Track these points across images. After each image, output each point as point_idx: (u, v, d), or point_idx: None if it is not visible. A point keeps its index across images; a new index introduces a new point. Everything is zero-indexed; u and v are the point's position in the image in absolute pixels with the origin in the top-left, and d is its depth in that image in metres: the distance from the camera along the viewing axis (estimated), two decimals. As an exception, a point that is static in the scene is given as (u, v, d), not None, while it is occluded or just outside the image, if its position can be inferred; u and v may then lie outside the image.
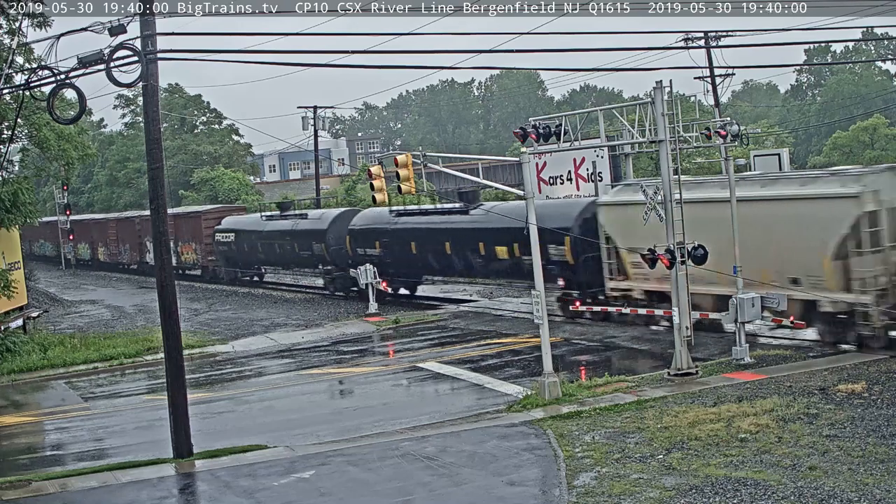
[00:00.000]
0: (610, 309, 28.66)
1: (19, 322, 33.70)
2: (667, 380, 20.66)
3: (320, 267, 42.21)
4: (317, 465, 16.42)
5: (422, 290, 40.20)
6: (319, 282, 44.38)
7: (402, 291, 39.51)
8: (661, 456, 15.06)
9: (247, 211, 53.69)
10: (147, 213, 60.82)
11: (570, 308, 30.11)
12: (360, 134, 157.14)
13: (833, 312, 22.23)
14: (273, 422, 20.46)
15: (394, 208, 37.27)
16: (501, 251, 31.79)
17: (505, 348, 27.22)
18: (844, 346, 22.27)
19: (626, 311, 27.90)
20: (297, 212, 45.23)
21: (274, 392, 24.02)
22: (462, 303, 37.15)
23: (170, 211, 49.30)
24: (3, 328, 31.23)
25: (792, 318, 23.21)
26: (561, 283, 29.98)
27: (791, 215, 22.61)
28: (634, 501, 13.14)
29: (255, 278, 49.66)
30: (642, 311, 27.39)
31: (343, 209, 43.58)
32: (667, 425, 16.72)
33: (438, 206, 36.17)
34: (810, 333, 23.55)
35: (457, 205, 34.41)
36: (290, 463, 16.69)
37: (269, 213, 47.22)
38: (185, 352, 20.60)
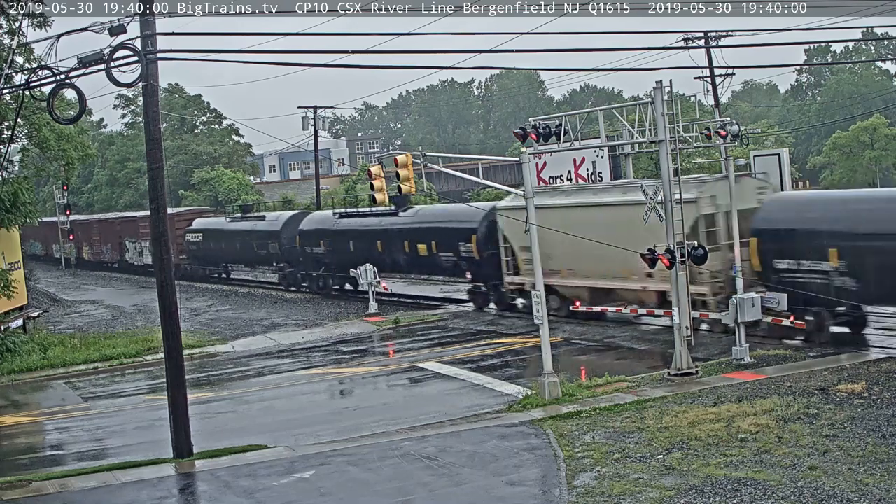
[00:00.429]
0: (610, 309, 28.72)
1: (19, 322, 33.71)
2: (667, 380, 20.66)
3: (275, 264, 46.43)
4: (317, 465, 16.42)
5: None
6: (275, 278, 47.91)
7: (347, 287, 42.38)
8: (661, 456, 15.07)
9: (217, 213, 58.32)
10: (127, 214, 63.08)
11: (571, 308, 30.19)
12: (360, 134, 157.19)
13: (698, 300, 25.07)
14: (273, 422, 20.45)
15: (337, 210, 41.94)
16: (422, 249, 35.96)
17: (505, 348, 27.22)
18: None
19: (626, 310, 28.05)
20: (256, 214, 49.92)
21: (274, 392, 24.02)
22: (462, 303, 37.35)
23: (144, 213, 51.02)
24: (3, 328, 31.23)
25: (792, 318, 23.25)
26: (469, 276, 34.62)
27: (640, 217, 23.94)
28: (634, 501, 13.14)
29: (223, 275, 53.42)
30: (642, 311, 27.49)
31: (296, 211, 47.99)
32: (667, 425, 16.72)
33: (374, 208, 37.95)
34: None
35: (390, 207, 36.86)
36: (290, 463, 16.70)
37: (234, 215, 51.38)
38: (185, 352, 20.59)
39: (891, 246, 21.23)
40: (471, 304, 35.11)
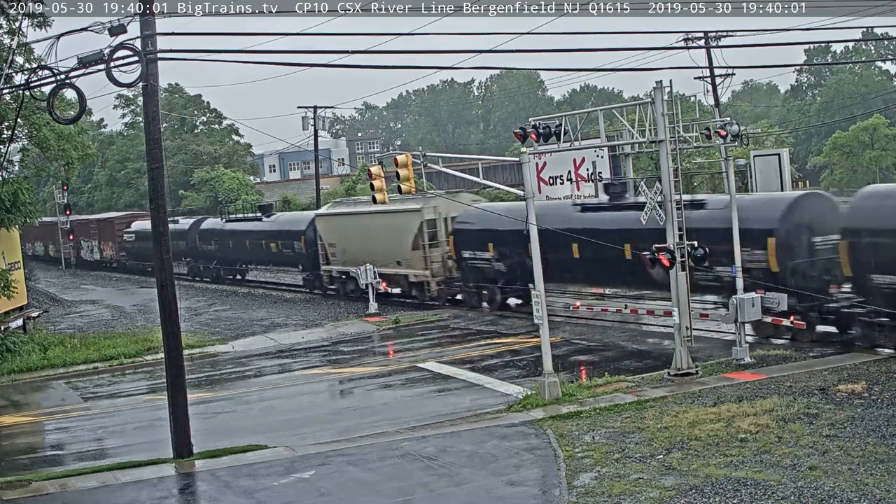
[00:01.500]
0: (610, 309, 28.85)
1: (19, 322, 33.70)
2: (667, 380, 20.66)
3: (184, 258, 55.92)
4: (317, 465, 16.42)
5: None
6: (185, 270, 56.67)
7: (238, 278, 53.48)
8: (661, 456, 15.07)
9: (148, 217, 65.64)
10: (80, 217, 69.26)
11: (572, 308, 30.35)
12: (360, 134, 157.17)
13: (416, 282, 36.55)
14: (273, 422, 20.46)
15: (225, 216, 52.82)
16: (273, 246, 46.23)
17: (505, 348, 27.23)
18: (427, 302, 36.25)
19: (626, 310, 28.12)
20: (172, 218, 55.41)
21: (274, 392, 24.02)
22: (296, 287, 37.49)
23: (93, 216, 63.83)
24: (3, 328, 31.23)
25: (792, 318, 23.26)
26: (300, 266, 45.37)
27: (392, 222, 36.70)
28: (634, 501, 13.14)
29: (151, 269, 60.76)
30: (642, 312, 27.55)
31: (201, 217, 58.98)
32: (667, 425, 16.72)
33: (247, 214, 50.90)
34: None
35: (257, 214, 49.35)
36: (291, 463, 16.70)
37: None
38: (185, 352, 20.59)
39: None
40: (305, 290, 45.32)
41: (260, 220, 48.14)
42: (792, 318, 23.00)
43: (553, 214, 29.40)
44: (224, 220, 51.72)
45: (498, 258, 32.48)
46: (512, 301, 33.62)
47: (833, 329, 23.36)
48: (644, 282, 27.89)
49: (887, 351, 21.64)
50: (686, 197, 23.90)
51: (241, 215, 51.86)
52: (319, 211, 43.96)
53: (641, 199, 24.19)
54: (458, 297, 35.64)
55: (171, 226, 55.57)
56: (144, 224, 58.39)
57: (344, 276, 40.41)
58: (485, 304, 34.10)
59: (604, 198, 30.37)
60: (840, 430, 15.58)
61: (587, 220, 29.33)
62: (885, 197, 23.11)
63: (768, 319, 23.38)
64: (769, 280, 23.52)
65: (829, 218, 23.66)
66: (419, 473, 15.42)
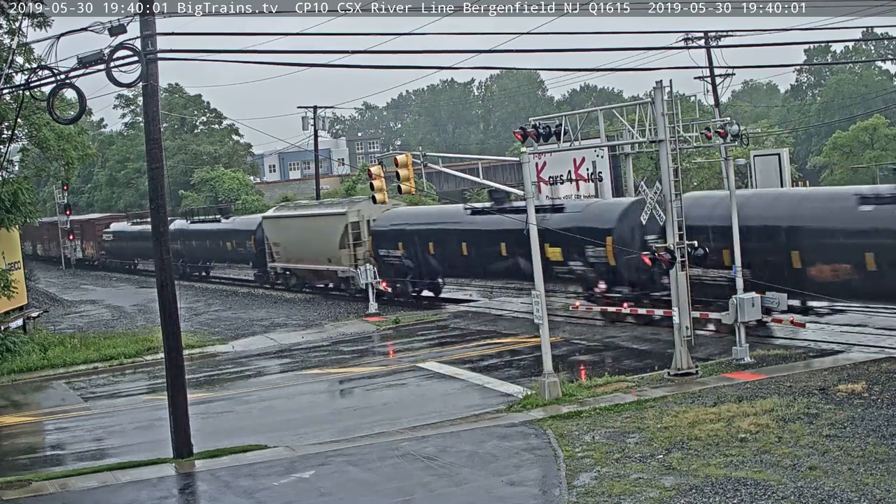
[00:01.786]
0: (610, 309, 28.86)
1: (19, 322, 33.70)
2: (667, 380, 20.66)
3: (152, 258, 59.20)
4: (317, 465, 16.42)
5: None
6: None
7: (203, 274, 58.30)
8: (661, 456, 15.06)
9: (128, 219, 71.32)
10: (64, 218, 70.14)
11: (571, 308, 30.41)
12: (360, 134, 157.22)
13: (344, 277, 40.46)
14: (273, 422, 20.46)
15: (190, 217, 57.42)
16: (229, 245, 51.42)
17: (505, 348, 27.23)
18: (356, 295, 39.41)
19: (627, 310, 28.10)
20: (145, 220, 62.90)
21: (274, 392, 24.02)
22: (462, 303, 37.57)
23: (76, 217, 67.92)
24: (3, 328, 31.22)
25: (792, 319, 23.28)
26: (251, 263, 50.00)
27: (323, 224, 41.33)
28: (634, 501, 13.14)
29: (130, 266, 67.44)
30: (642, 312, 27.55)
31: (170, 218, 60.08)
32: (667, 425, 16.72)
33: (209, 216, 55.00)
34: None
35: (217, 217, 53.79)
36: (291, 463, 16.69)
37: (135, 220, 65.03)
38: (185, 352, 20.58)
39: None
40: (254, 282, 50.55)
41: (219, 221, 52.99)
42: (625, 304, 24.40)
43: (447, 217, 36.23)
44: (189, 222, 56.37)
45: (406, 256, 37.19)
46: (426, 293, 38.99)
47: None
48: (517, 275, 32.04)
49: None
50: (547, 202, 31.16)
51: (203, 217, 56.26)
52: (266, 214, 48.98)
53: (517, 203, 29.77)
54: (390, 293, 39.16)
55: (142, 227, 56.96)
56: (121, 225, 66.33)
57: (288, 272, 45.47)
58: (399, 296, 38.64)
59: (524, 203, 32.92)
60: (840, 430, 15.57)
61: (474, 222, 33.80)
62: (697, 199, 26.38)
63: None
64: (609, 272, 28.12)
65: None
66: (419, 473, 15.42)
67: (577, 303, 30.39)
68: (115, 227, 66.89)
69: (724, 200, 24.03)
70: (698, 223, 23.84)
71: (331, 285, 43.24)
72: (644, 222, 25.12)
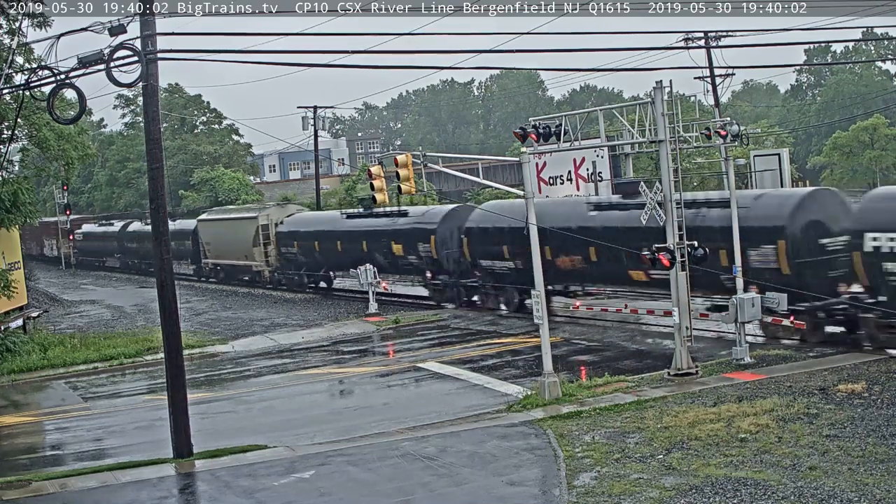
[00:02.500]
0: (610, 309, 28.92)
1: (19, 322, 33.69)
2: (667, 380, 20.66)
3: (115, 255, 70.10)
4: (317, 465, 16.42)
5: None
6: (117, 264, 70.27)
7: (153, 270, 60.91)
8: (661, 456, 15.07)
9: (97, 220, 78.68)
10: (46, 219, 73.16)
11: (572, 308, 30.48)
12: (360, 134, 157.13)
13: (258, 271, 48.36)
14: (273, 422, 20.45)
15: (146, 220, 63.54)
16: (174, 244, 55.43)
17: (505, 348, 27.23)
18: (267, 286, 48.31)
19: (627, 310, 28.18)
20: (108, 222, 72.79)
21: (274, 392, 24.02)
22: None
23: (51, 219, 73.15)
24: (3, 328, 31.22)
25: (792, 319, 23.29)
26: (190, 260, 57.00)
27: (239, 226, 49.03)
28: (634, 501, 13.14)
29: (99, 264, 73.48)
30: (642, 311, 27.61)
31: (128, 220, 69.56)
32: (667, 425, 16.72)
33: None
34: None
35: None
36: (291, 463, 16.69)
37: (101, 222, 74.00)
38: (185, 352, 20.58)
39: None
40: (193, 276, 57.59)
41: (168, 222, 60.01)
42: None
43: (329, 221, 43.90)
44: (144, 223, 62.22)
45: (300, 253, 44.95)
46: (323, 284, 45.85)
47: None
48: (388, 268, 38.75)
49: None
50: (394, 208, 38.43)
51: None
52: (200, 217, 56.58)
53: (383, 209, 37.01)
54: (283, 282, 47.03)
55: (105, 228, 67.71)
56: (90, 227, 74.81)
57: (217, 267, 53.38)
58: (296, 287, 45.92)
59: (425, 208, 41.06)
60: (840, 430, 15.58)
61: (347, 225, 41.47)
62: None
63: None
64: (434, 264, 35.81)
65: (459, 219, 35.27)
66: (419, 473, 15.42)
67: (578, 303, 30.42)
68: (85, 228, 74.55)
69: (513, 206, 29.84)
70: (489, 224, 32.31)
71: (246, 278, 50.96)
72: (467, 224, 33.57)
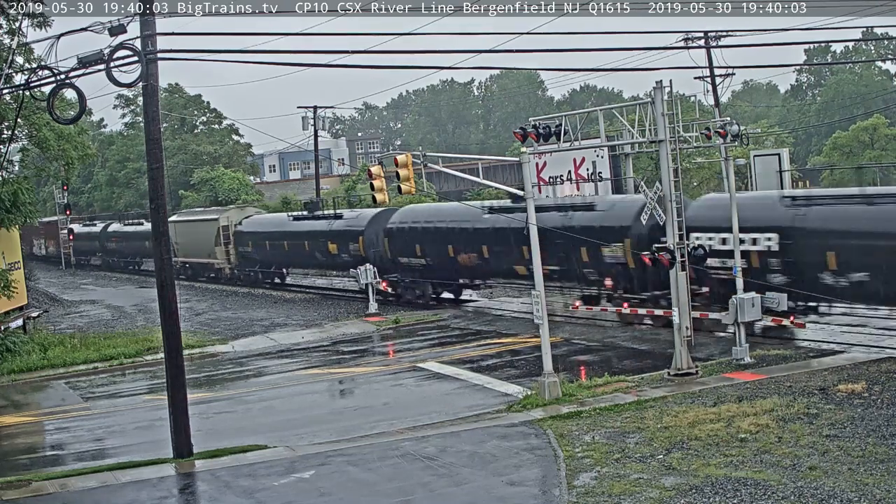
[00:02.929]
0: (610, 308, 28.96)
1: (19, 322, 33.69)
2: (667, 380, 20.66)
3: (97, 254, 74.85)
4: (317, 465, 16.42)
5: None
6: (98, 262, 75.54)
7: (134, 268, 68.72)
8: (661, 456, 15.07)
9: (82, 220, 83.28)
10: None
11: (572, 308, 30.50)
12: (360, 134, 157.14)
13: (219, 268, 52.32)
14: (273, 422, 20.45)
15: (125, 221, 70.35)
16: (147, 243, 57.60)
17: (505, 348, 27.23)
18: (229, 280, 52.36)
19: (627, 310, 28.18)
20: (90, 222, 78.71)
21: (274, 392, 24.02)
22: (462, 303, 37.68)
23: (44, 220, 67.94)
24: (3, 328, 31.21)
25: (792, 319, 23.30)
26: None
27: (202, 227, 52.66)
28: (634, 501, 13.14)
29: (85, 262, 77.20)
30: (642, 311, 27.62)
31: (109, 221, 74.56)
32: (667, 425, 16.72)
33: (135, 220, 66.81)
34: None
35: (140, 221, 65.20)
36: (291, 463, 16.69)
37: (85, 222, 78.97)
38: (185, 352, 20.58)
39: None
40: (129, 273, 65.69)
41: (142, 224, 63.81)
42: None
43: (278, 223, 47.84)
44: (123, 224, 68.47)
45: (254, 252, 49.25)
46: (277, 280, 50.70)
47: None
48: (316, 263, 45.52)
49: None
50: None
51: (131, 221, 68.28)
52: (171, 218, 63.62)
53: (322, 212, 43.49)
54: (241, 279, 51.16)
55: (88, 228, 71.31)
56: (76, 227, 76.53)
57: (187, 265, 56.76)
58: (252, 284, 50.49)
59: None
60: (840, 430, 15.58)
61: (293, 226, 45.59)
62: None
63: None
64: (363, 261, 38.19)
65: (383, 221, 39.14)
66: (419, 473, 15.42)
67: (577, 303, 30.42)
68: (75, 227, 76.98)
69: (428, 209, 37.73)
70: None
71: (211, 275, 54.84)
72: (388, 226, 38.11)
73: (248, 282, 50.71)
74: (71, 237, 71.04)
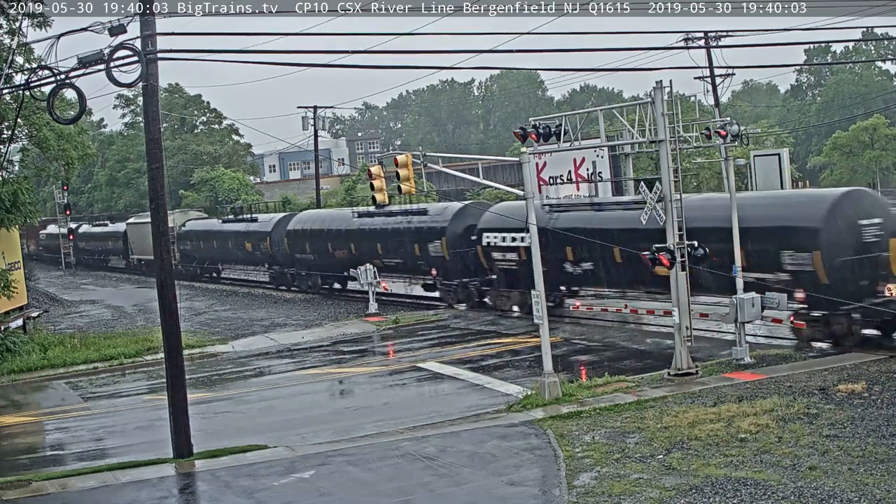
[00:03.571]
0: (610, 309, 28.95)
1: (19, 322, 33.69)
2: (667, 380, 20.66)
3: (76, 255, 79.39)
4: (317, 465, 16.42)
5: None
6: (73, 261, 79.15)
7: (104, 265, 74.96)
8: (661, 456, 15.07)
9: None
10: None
11: (572, 308, 30.55)
12: (360, 134, 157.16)
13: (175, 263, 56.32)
14: (273, 422, 20.46)
15: (94, 223, 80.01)
16: (111, 243, 71.87)
17: (505, 348, 27.23)
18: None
19: (627, 310, 28.19)
20: (75, 224, 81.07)
21: (274, 392, 24.02)
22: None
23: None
24: (3, 328, 31.21)
25: (792, 319, 23.32)
26: (122, 256, 68.66)
27: (150, 228, 55.44)
28: (634, 501, 13.14)
29: (64, 265, 79.88)
30: (642, 311, 27.62)
31: (79, 223, 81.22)
32: (667, 425, 16.72)
33: (103, 222, 76.66)
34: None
35: (107, 223, 75.70)
36: (291, 463, 16.69)
37: (61, 224, 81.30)
38: (185, 352, 20.58)
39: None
40: (122, 268, 69.78)
41: (107, 226, 74.05)
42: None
43: (213, 225, 55.16)
44: (92, 225, 78.07)
45: (193, 250, 56.62)
46: (214, 274, 57.51)
47: None
48: (246, 261, 52.59)
49: None
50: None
51: (100, 223, 77.68)
52: (129, 221, 67.35)
53: (254, 216, 51.84)
54: (184, 273, 55.40)
55: (63, 230, 72.73)
56: (51, 228, 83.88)
57: (142, 262, 62.84)
58: (192, 277, 57.26)
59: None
60: (840, 430, 15.58)
61: (225, 227, 52.42)
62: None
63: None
64: (288, 260, 45.89)
65: (285, 224, 47.15)
66: (419, 473, 15.42)
67: (578, 303, 30.44)
68: (50, 228, 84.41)
69: (320, 214, 45.65)
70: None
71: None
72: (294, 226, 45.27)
73: (189, 276, 57.20)
74: (71, 237, 71.20)
